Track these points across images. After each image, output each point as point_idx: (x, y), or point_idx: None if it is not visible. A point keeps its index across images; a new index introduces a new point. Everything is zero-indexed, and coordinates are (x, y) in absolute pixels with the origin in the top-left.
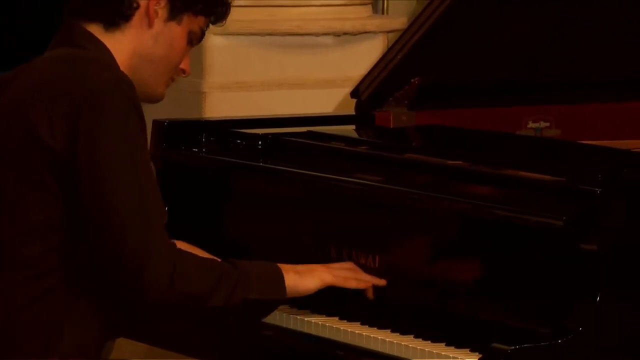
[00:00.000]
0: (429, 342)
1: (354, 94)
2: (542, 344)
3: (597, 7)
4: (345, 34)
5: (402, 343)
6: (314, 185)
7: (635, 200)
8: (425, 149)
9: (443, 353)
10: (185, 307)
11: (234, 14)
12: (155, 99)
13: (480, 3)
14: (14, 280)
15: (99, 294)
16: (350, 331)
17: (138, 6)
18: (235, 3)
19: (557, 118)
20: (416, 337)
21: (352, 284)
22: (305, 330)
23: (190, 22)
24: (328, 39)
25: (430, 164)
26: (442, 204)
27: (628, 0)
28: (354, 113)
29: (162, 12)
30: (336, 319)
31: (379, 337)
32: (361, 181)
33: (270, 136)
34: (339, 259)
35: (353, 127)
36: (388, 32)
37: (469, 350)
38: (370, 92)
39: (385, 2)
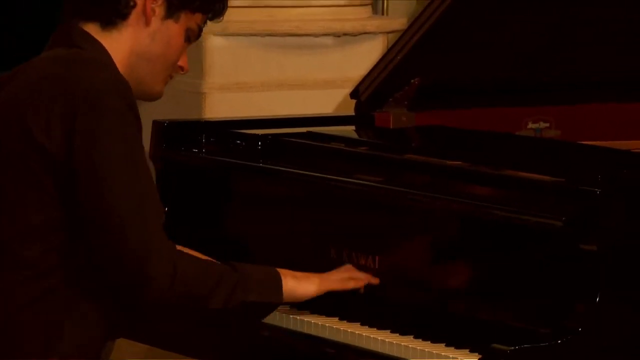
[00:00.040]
0: (429, 342)
1: (354, 94)
2: (542, 344)
3: (597, 7)
4: (345, 34)
5: (402, 343)
6: (313, 186)
7: (634, 200)
8: (425, 150)
9: (443, 353)
10: (185, 308)
11: (234, 15)
12: (153, 97)
13: (480, 3)
14: (14, 281)
15: (99, 294)
16: (350, 331)
17: (135, 5)
18: (235, 4)
19: (557, 118)
20: (416, 337)
21: (351, 285)
22: (305, 330)
23: (187, 20)
24: (328, 40)
25: (430, 165)
26: (442, 204)
27: (628, 0)
28: (353, 114)
29: (159, 10)
30: (336, 319)
31: (379, 338)
32: (361, 182)
33: (270, 137)
34: (338, 259)
35: (353, 127)
36: (388, 32)
37: (469, 351)
38: (370, 93)
39: (385, 2)
